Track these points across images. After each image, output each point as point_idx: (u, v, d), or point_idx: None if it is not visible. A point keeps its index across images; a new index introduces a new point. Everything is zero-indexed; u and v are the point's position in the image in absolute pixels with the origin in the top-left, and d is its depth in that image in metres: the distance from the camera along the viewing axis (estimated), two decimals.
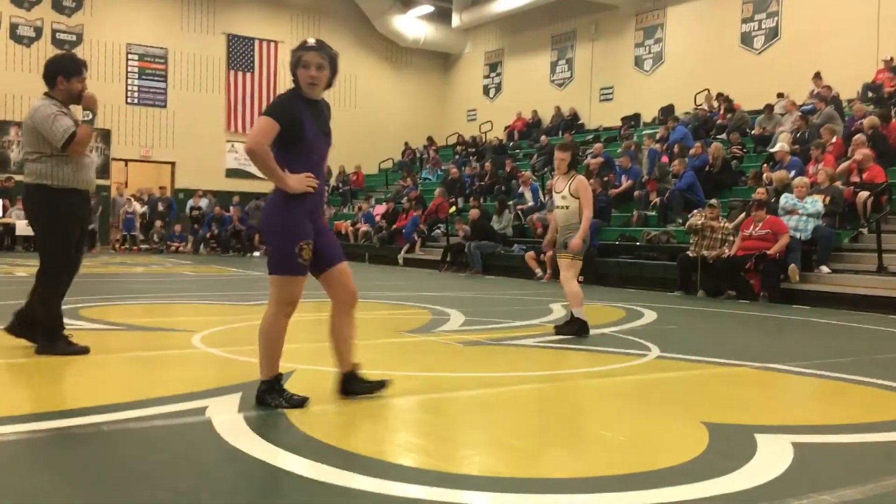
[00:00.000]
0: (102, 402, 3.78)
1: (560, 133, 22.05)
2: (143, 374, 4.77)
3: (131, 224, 21.92)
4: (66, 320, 5.31)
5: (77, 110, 5.16)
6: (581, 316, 6.71)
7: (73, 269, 5.20)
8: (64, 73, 5.13)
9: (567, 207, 6.77)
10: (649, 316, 8.45)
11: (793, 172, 12.30)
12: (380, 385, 4.08)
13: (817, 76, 16.70)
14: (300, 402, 3.78)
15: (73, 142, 4.95)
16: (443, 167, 23.79)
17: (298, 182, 3.73)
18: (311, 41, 3.83)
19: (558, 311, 8.61)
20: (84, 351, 5.09)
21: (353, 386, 4.03)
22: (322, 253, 3.94)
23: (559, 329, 6.76)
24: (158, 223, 21.96)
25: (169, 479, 2.74)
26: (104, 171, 24.22)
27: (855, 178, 11.66)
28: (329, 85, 3.85)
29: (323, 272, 4.02)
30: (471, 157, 23.46)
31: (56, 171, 5.01)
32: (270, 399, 3.78)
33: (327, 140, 3.94)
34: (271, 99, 25.67)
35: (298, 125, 3.73)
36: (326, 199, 25.23)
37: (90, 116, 5.12)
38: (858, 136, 12.42)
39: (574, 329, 6.67)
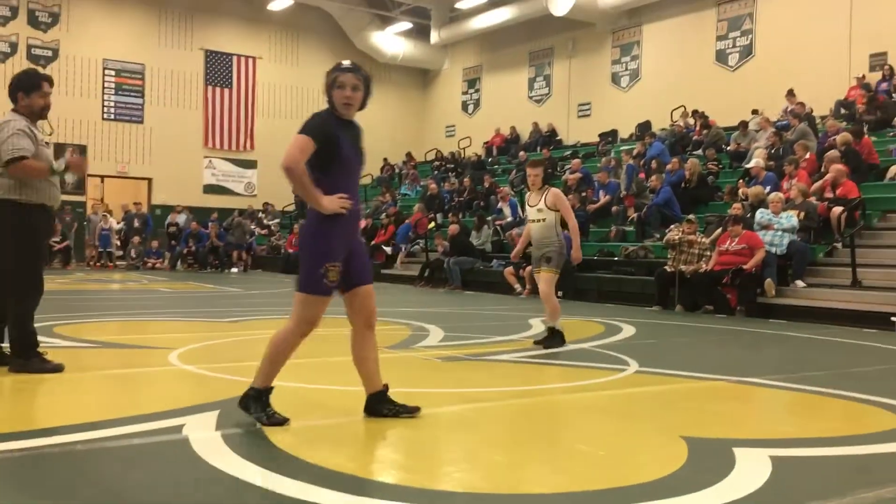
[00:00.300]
0: (77, 421, 3.73)
1: (538, 149, 22.18)
2: (119, 393, 4.72)
3: (107, 240, 21.71)
4: (40, 338, 5.24)
5: (46, 124, 5.13)
6: (559, 327, 6.82)
7: (42, 286, 5.14)
8: (23, 89, 5.09)
9: (543, 220, 6.83)
10: (628, 330, 8.48)
11: (768, 188, 12.44)
12: (409, 409, 3.97)
13: (790, 93, 16.93)
14: (280, 422, 3.73)
15: (17, 164, 4.87)
16: (421, 183, 23.82)
17: (332, 203, 3.71)
18: (347, 63, 3.91)
19: (538, 327, 8.61)
20: (58, 369, 5.02)
21: (379, 407, 3.94)
22: (352, 273, 3.89)
23: (546, 344, 6.76)
24: (136, 239, 21.77)
25: (145, 498, 2.71)
26: (80, 186, 24.02)
27: (829, 194, 11.81)
28: (363, 106, 3.91)
29: (348, 291, 3.96)
30: (449, 173, 23.51)
31: (24, 187, 4.96)
32: (253, 408, 3.74)
33: (361, 160, 3.96)
34: (249, 115, 25.69)
35: (334, 144, 3.74)
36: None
37: (66, 172, 5.08)
38: (831, 152, 12.60)
39: (557, 341, 6.73)
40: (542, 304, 6.95)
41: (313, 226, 3.77)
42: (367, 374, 3.98)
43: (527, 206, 7.10)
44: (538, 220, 6.86)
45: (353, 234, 3.91)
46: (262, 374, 3.81)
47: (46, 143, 5.18)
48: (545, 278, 6.83)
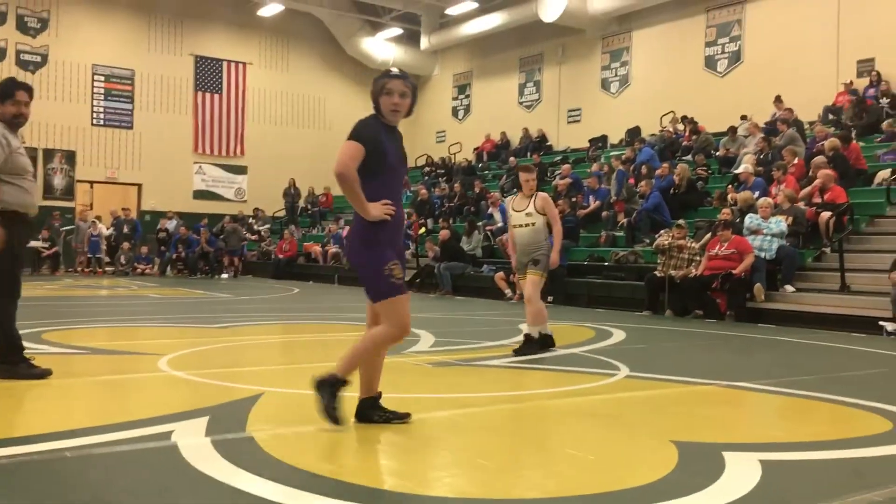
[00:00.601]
0: (65, 428, 3.71)
1: (528, 154, 22.21)
2: (108, 399, 4.69)
3: (97, 246, 21.63)
4: (28, 344, 5.21)
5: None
6: (546, 331, 6.85)
7: (19, 292, 5.10)
8: None
9: (532, 224, 6.84)
10: (618, 335, 8.49)
11: (757, 193, 12.49)
12: (399, 416, 3.97)
13: (778, 99, 17.03)
14: (336, 420, 3.73)
15: None
16: (412, 188, 23.83)
17: (378, 210, 3.75)
18: (395, 70, 3.97)
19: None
20: (46, 374, 5.00)
21: (370, 413, 3.95)
22: None
23: (521, 351, 6.73)
24: (125, 245, 21.68)
25: None
26: (69, 192, 23.94)
27: (817, 199, 11.87)
28: (409, 113, 3.98)
29: None
30: (440, 179, 23.53)
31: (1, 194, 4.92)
32: (324, 392, 3.74)
33: (405, 167, 4.01)
34: (239, 120, 25.65)
35: (381, 150, 3.80)
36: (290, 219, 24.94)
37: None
38: (818, 158, 12.67)
39: (534, 347, 6.70)
40: (525, 307, 6.93)
41: (361, 233, 3.83)
42: (368, 378, 3.98)
43: (511, 212, 7.06)
44: (527, 225, 6.86)
45: (398, 240, 3.95)
46: (345, 366, 3.83)
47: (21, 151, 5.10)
48: (532, 281, 6.83)
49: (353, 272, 14.98)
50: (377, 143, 3.79)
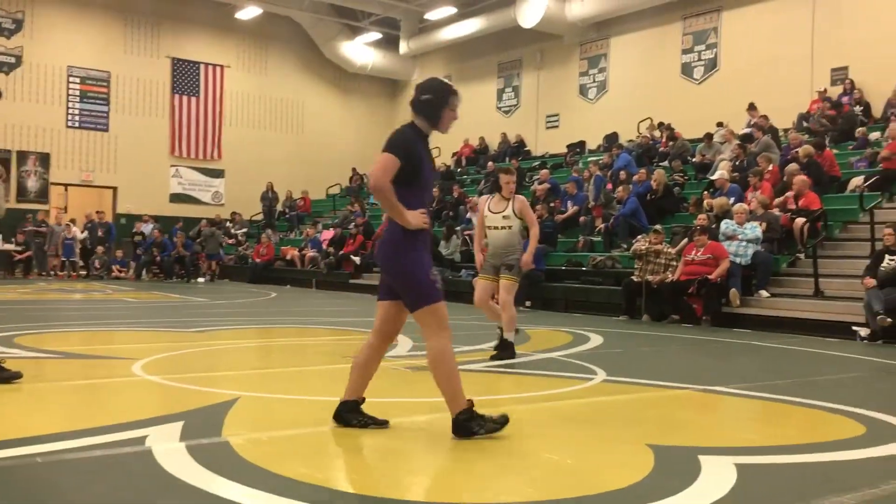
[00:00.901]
0: (38, 433, 3.66)
1: (507, 159, 22.27)
2: (81, 404, 4.64)
3: (70, 250, 21.39)
4: None
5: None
6: (511, 339, 6.78)
7: None
8: None
9: (510, 227, 6.81)
10: (595, 340, 8.53)
11: (732, 199, 12.61)
12: (378, 422, 3.97)
13: (752, 107, 17.22)
14: (502, 421, 3.84)
15: None
16: None
17: (416, 218, 3.82)
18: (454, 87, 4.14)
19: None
20: (17, 376, 4.93)
21: (349, 416, 3.93)
22: None
23: (499, 356, 6.73)
24: (99, 249, 21.46)
25: None
26: (43, 195, 23.66)
27: (791, 205, 12.00)
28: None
29: (393, 300, 4.00)
30: None
31: None
32: (476, 427, 3.78)
33: (437, 176, 4.00)
34: (217, 124, 25.43)
35: (418, 161, 3.86)
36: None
37: None
38: (792, 165, 12.82)
39: (510, 352, 6.70)
40: (501, 311, 6.86)
41: (399, 242, 3.86)
42: (358, 381, 3.99)
43: (487, 212, 6.97)
44: (504, 227, 6.82)
45: (429, 248, 4.04)
46: (453, 400, 3.85)
47: None
48: (507, 286, 6.81)
49: (331, 276, 14.79)
50: (413, 154, 3.85)
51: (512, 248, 6.80)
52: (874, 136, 14.64)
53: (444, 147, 26.27)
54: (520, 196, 6.95)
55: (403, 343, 7.77)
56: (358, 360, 4.06)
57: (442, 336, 3.86)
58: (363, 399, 3.99)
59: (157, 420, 4.00)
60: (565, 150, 21.82)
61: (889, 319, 8.81)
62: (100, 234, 21.98)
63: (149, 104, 25.29)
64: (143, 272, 21.36)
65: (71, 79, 24.07)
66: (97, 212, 22.89)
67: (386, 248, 3.92)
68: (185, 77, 25.82)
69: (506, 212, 6.82)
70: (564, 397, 5.14)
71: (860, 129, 15.15)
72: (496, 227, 6.86)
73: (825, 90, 16.85)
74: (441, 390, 3.87)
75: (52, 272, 21.22)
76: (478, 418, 3.81)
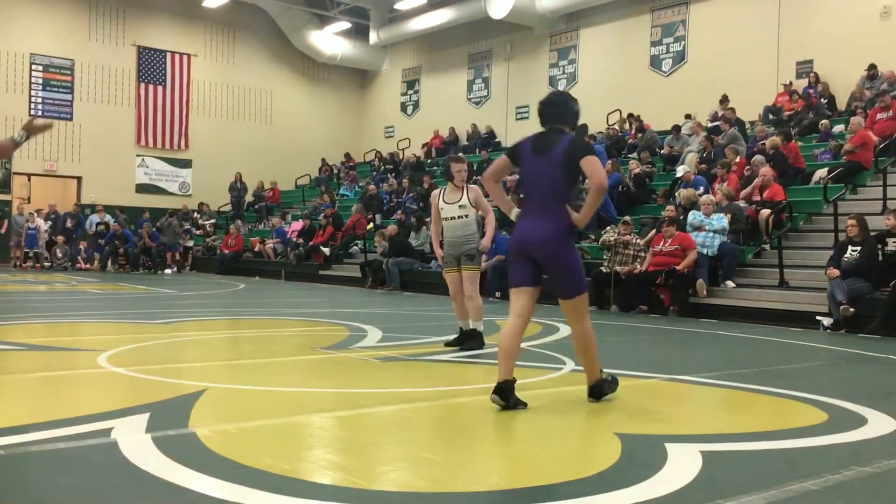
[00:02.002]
0: (1, 426, 3.60)
1: (477, 150, 22.28)
2: (46, 396, 4.57)
3: (34, 241, 21.04)
4: None
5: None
6: (481, 329, 6.78)
7: None
8: None
9: (465, 217, 6.77)
10: (564, 330, 8.57)
11: (700, 189, 12.73)
12: (522, 404, 4.31)
13: (725, 99, 17.40)
14: (617, 382, 4.65)
15: None
16: (360, 183, 23.72)
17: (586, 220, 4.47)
18: None
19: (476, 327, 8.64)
20: None
21: (510, 394, 4.30)
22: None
23: (468, 346, 6.71)
24: (60, 238, 21.11)
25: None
26: (5, 185, 23.24)
27: (756, 197, 12.15)
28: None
29: (536, 287, 4.46)
30: (389, 174, 23.46)
31: None
32: (607, 389, 4.57)
33: None
34: (184, 113, 25.13)
35: None
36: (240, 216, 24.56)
37: (24, 137, 4.75)
38: (757, 157, 12.98)
39: (479, 342, 6.70)
40: (467, 302, 6.80)
41: (567, 238, 4.35)
42: (510, 363, 4.38)
43: (441, 204, 6.86)
44: (459, 217, 6.75)
45: None
46: (592, 370, 4.57)
47: None
48: (471, 277, 6.75)
49: (300, 268, 14.75)
50: None
51: (469, 238, 6.75)
52: (838, 128, 14.86)
53: (414, 138, 26.24)
54: (473, 185, 6.92)
55: (372, 334, 7.76)
56: (504, 344, 4.40)
57: (587, 320, 4.50)
58: (514, 380, 4.34)
59: (123, 412, 3.96)
60: None
61: (851, 309, 8.96)
62: (69, 224, 21.66)
63: (114, 93, 24.92)
64: (109, 263, 21.08)
65: (34, 66, 23.63)
66: (75, 204, 22.57)
67: (553, 241, 4.30)
68: (151, 65, 25.46)
69: (461, 201, 6.76)
70: (532, 387, 5.17)
71: (824, 121, 15.37)
72: (452, 218, 6.78)
73: (791, 83, 17.08)
74: (584, 365, 4.57)
75: (15, 263, 20.87)
76: (605, 382, 4.59)
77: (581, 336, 4.49)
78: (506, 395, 4.25)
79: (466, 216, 6.78)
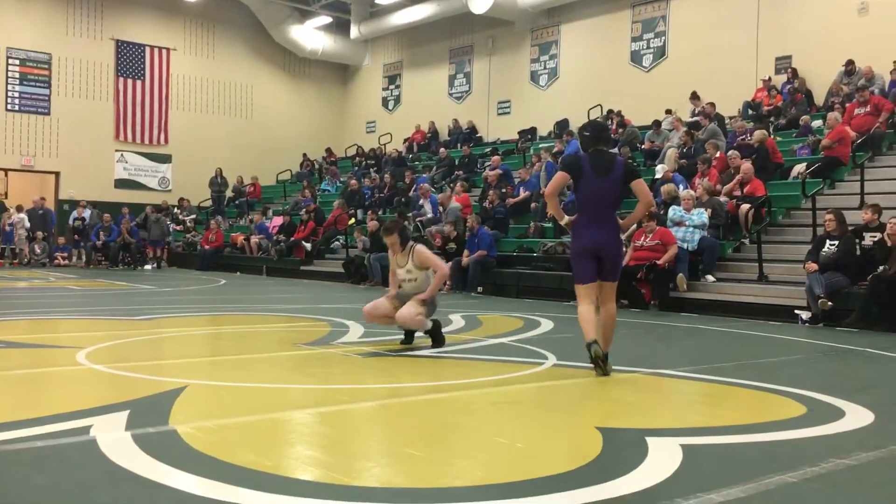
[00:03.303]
0: None
1: (458, 146, 22.27)
2: (23, 393, 4.52)
3: (11, 237, 20.81)
4: None
5: None
6: (428, 326, 6.59)
7: None
8: None
9: (415, 280, 6.59)
10: (546, 325, 8.60)
11: (680, 187, 12.79)
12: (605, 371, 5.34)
13: (694, 96, 17.51)
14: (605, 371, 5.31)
15: None
16: (342, 179, 23.64)
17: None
18: None
19: (458, 322, 8.66)
20: None
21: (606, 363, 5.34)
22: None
23: (436, 343, 6.58)
24: (39, 234, 20.89)
25: (51, 502, 2.60)
26: None
27: (737, 192, 12.23)
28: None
29: (599, 279, 5.49)
30: (370, 169, 23.41)
31: None
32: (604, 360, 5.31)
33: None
34: (163, 108, 24.92)
35: None
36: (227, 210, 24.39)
37: None
38: (732, 152, 13.07)
39: (439, 331, 6.61)
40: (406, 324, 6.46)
41: (620, 238, 5.54)
42: (603, 334, 5.38)
43: (393, 265, 6.77)
44: (410, 280, 6.62)
45: None
46: (609, 342, 5.47)
47: None
48: (412, 306, 6.41)
49: (281, 263, 14.76)
50: None
51: (422, 291, 6.55)
52: (816, 124, 14.98)
53: (396, 133, 26.20)
54: (418, 247, 6.66)
55: (354, 329, 7.75)
56: (590, 317, 5.33)
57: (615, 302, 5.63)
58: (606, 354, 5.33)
59: (102, 409, 3.93)
60: (517, 137, 21.91)
61: (830, 303, 9.05)
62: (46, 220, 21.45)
63: (92, 87, 24.67)
64: (91, 256, 20.90)
65: (10, 60, 23.34)
66: (42, 198, 22.32)
67: (617, 243, 5.48)
68: (129, 60, 25.23)
69: (408, 266, 6.61)
70: (514, 382, 5.18)
71: (803, 117, 15.49)
72: (405, 280, 6.65)
73: (770, 78, 17.20)
74: (606, 336, 5.42)
75: None
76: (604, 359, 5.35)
77: (613, 311, 5.55)
78: (604, 361, 5.29)
79: (416, 279, 6.58)
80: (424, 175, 20.65)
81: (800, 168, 13.16)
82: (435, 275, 6.64)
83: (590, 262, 5.37)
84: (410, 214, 17.31)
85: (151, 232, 21.44)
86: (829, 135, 13.06)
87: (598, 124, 5.80)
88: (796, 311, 9.58)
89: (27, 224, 20.88)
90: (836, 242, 9.49)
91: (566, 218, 5.62)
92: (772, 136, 14.09)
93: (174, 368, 5.42)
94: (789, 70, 16.93)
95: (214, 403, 4.30)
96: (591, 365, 5.29)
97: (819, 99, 16.38)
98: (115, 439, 3.33)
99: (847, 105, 14.43)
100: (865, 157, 12.87)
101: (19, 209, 21.25)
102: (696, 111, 16.98)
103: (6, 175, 23.96)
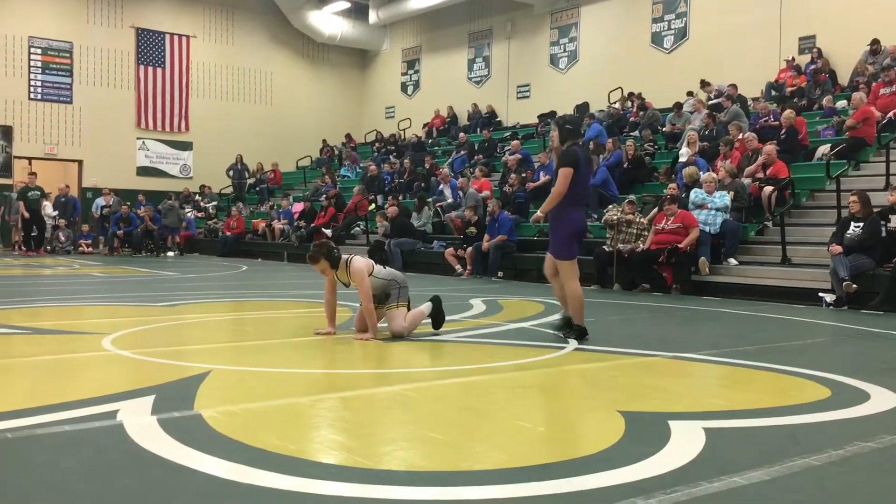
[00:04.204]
0: (7, 409, 3.62)
1: (478, 130, 22.22)
2: (51, 379, 4.59)
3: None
4: None
5: None
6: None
7: None
8: None
9: (376, 287, 6.26)
10: None
11: (701, 173, 12.68)
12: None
13: (704, 83, 17.36)
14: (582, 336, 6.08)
15: None
16: (361, 165, 23.67)
17: None
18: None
19: (478, 307, 8.67)
20: None
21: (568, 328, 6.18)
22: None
23: (437, 325, 6.54)
24: (62, 222, 21.11)
25: (80, 485, 2.65)
26: (6, 169, 23.23)
27: (759, 174, 12.11)
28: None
29: None
30: (390, 155, 23.41)
31: None
32: (574, 333, 6.08)
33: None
34: (183, 95, 25.09)
35: None
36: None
37: None
38: (749, 134, 12.93)
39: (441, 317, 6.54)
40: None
41: None
42: (564, 304, 6.24)
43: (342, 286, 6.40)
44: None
45: None
46: (577, 315, 6.11)
47: None
48: (397, 314, 6.24)
49: (302, 249, 14.81)
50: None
51: (384, 290, 6.29)
52: (841, 104, 14.79)
53: (415, 118, 26.15)
54: (353, 265, 6.19)
55: None
56: (560, 294, 6.25)
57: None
58: (570, 318, 6.12)
59: (128, 394, 3.98)
60: (536, 121, 21.81)
61: (854, 286, 8.97)
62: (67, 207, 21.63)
63: (113, 75, 24.84)
64: (111, 246, 21.10)
65: (32, 50, 23.54)
66: (65, 186, 22.52)
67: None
68: (149, 47, 25.35)
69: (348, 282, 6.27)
70: (536, 366, 5.18)
71: (826, 97, 15.30)
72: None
73: (793, 59, 16.98)
74: (575, 311, 6.14)
75: (15, 247, 20.87)
76: (577, 332, 6.10)
77: (576, 288, 6.17)
78: (567, 326, 6.11)
79: (376, 286, 6.24)
80: (461, 153, 20.41)
81: (824, 149, 13.01)
82: (362, 302, 6.19)
83: (579, 242, 6.23)
84: (430, 200, 17.31)
85: (168, 218, 21.58)
86: (853, 115, 12.89)
87: (576, 118, 6.53)
88: (820, 294, 9.50)
89: (51, 212, 21.08)
90: (861, 224, 9.39)
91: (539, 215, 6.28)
92: (799, 117, 13.91)
93: (198, 354, 5.47)
94: (814, 50, 16.70)
95: (238, 388, 4.34)
96: (614, 349, 5.29)
97: (844, 79, 16.15)
98: (141, 424, 3.38)
99: (872, 85, 14.22)
100: (891, 138, 12.67)
101: (58, 197, 21.49)
102: (709, 98, 16.87)
103: (30, 163, 24.20)
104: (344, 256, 6.27)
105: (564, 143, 6.13)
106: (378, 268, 6.40)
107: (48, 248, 20.87)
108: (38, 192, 19.76)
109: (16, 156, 23.53)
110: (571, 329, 6.15)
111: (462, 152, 20.56)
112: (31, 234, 19.84)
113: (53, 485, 2.65)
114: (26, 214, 19.35)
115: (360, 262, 6.27)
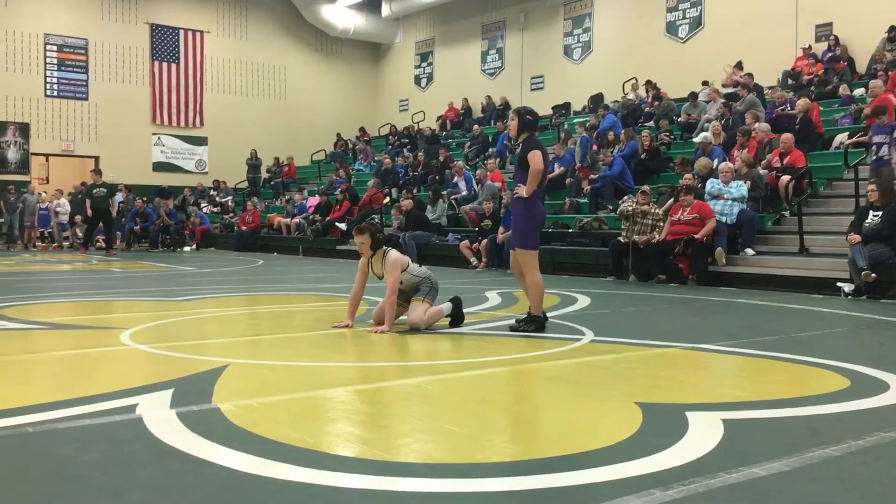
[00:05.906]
0: (27, 403, 3.65)
1: (492, 122, 22.16)
2: (70, 373, 4.63)
3: (47, 220, 21.20)
4: None
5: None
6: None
7: None
8: None
9: (401, 283, 6.31)
10: (583, 301, 8.57)
11: (716, 161, 12.61)
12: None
13: (705, 83, 17.24)
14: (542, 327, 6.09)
15: None
16: (376, 158, 23.68)
17: None
18: None
19: (494, 299, 8.67)
20: None
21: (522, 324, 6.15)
22: None
23: (455, 322, 6.49)
24: (78, 218, 21.26)
25: (100, 478, 2.67)
26: (23, 166, 23.42)
27: (776, 163, 12.02)
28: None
29: None
30: (404, 148, 23.41)
31: None
32: (532, 326, 6.07)
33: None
34: (198, 90, 25.22)
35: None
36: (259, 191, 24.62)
37: None
38: (762, 124, 12.82)
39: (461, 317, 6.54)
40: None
41: None
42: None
43: (374, 274, 6.42)
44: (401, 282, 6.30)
45: None
46: (535, 304, 6.12)
47: None
48: (419, 306, 6.25)
49: (317, 243, 14.85)
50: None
51: (414, 288, 6.34)
52: (858, 92, 14.64)
53: (429, 111, 26.14)
54: (391, 255, 6.23)
55: None
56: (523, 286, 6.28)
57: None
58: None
59: (147, 388, 4.00)
60: (551, 112, 21.74)
61: (873, 275, 8.89)
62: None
63: (128, 71, 24.97)
64: (128, 241, 21.25)
65: (48, 46, 23.70)
66: (81, 182, 22.65)
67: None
68: (164, 43, 25.46)
69: (381, 273, 6.32)
70: (553, 358, 5.18)
71: (843, 85, 15.15)
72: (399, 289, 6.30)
73: (810, 47, 16.83)
74: (533, 300, 6.19)
75: (31, 244, 21.05)
76: (537, 324, 6.10)
77: (536, 277, 6.25)
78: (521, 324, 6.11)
79: (402, 282, 6.27)
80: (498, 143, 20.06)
81: (841, 138, 12.89)
82: (386, 294, 6.17)
83: (538, 233, 6.39)
84: (444, 192, 17.30)
85: (183, 212, 21.69)
86: (871, 103, 12.75)
87: (534, 110, 6.49)
88: (839, 284, 9.42)
89: (68, 208, 21.24)
90: (880, 213, 9.30)
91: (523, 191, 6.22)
92: (815, 104, 13.79)
93: (215, 348, 5.50)
94: (831, 38, 16.53)
95: (256, 382, 4.36)
96: (630, 340, 5.27)
97: (861, 67, 15.99)
98: (160, 417, 3.40)
99: (890, 73, 14.07)
100: None
101: (60, 193, 21.62)
102: (725, 80, 16.77)
103: (47, 160, 24.40)
104: (384, 248, 6.34)
105: (521, 133, 6.21)
106: (414, 265, 6.51)
107: (64, 243, 21.01)
108: (105, 189, 18.77)
109: (33, 153, 23.72)
110: (531, 322, 6.08)
111: (475, 145, 20.54)
112: (96, 232, 19.45)
113: (74, 478, 2.67)
114: (90, 212, 19.02)
115: (398, 255, 6.37)
